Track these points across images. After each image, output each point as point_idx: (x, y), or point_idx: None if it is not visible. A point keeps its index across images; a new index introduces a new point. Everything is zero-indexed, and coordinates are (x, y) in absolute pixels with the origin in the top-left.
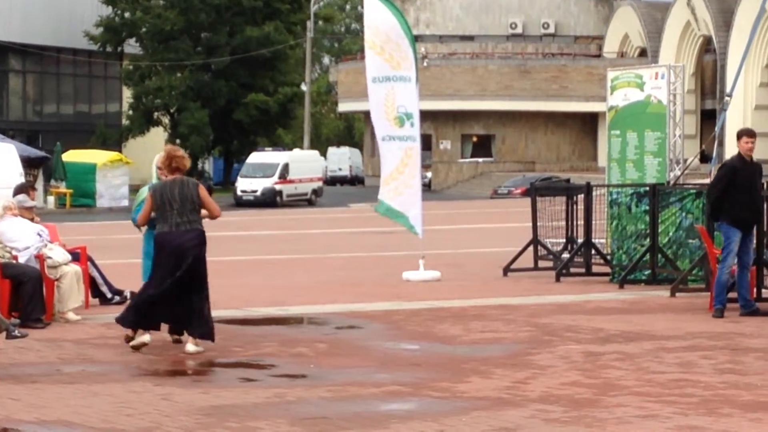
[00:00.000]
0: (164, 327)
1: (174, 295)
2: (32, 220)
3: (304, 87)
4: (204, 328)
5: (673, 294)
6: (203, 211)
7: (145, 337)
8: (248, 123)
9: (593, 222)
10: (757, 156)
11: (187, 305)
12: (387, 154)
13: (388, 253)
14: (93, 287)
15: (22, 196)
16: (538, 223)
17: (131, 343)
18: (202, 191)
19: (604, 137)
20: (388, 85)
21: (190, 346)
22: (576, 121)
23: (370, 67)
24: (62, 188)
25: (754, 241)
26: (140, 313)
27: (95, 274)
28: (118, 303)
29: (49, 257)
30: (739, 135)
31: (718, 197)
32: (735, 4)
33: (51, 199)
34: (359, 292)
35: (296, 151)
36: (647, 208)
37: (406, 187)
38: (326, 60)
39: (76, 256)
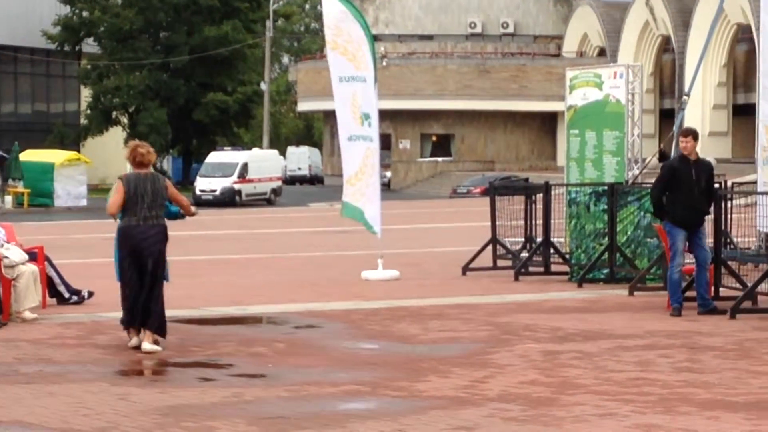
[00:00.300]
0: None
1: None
2: None
3: (263, 86)
4: (160, 322)
5: (632, 293)
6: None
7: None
8: (207, 122)
9: (552, 221)
10: (715, 155)
11: (147, 299)
12: (352, 155)
13: (347, 253)
14: (50, 287)
15: None
16: (497, 223)
17: (131, 344)
18: (172, 188)
19: (563, 136)
20: (354, 85)
21: (147, 344)
22: (535, 121)
23: (335, 67)
24: (20, 188)
25: (708, 239)
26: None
27: (52, 273)
28: (76, 303)
29: (6, 257)
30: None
31: (659, 197)
32: (693, 3)
33: (8, 198)
34: (318, 291)
35: (255, 150)
36: (606, 207)
37: (367, 187)
38: (285, 59)
39: (34, 255)
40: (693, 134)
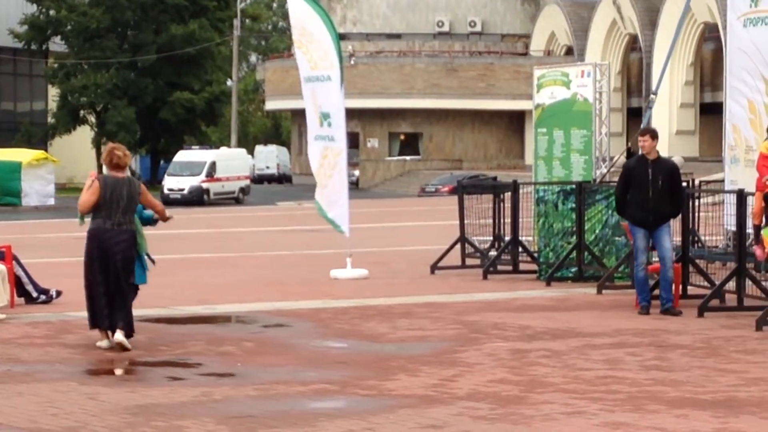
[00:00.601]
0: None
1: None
2: None
3: (230, 83)
4: (129, 320)
5: (600, 291)
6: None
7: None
8: (174, 121)
9: (520, 220)
10: (683, 153)
11: (114, 302)
12: (312, 154)
13: (315, 252)
14: (18, 286)
15: None
16: (466, 221)
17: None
18: (146, 193)
19: (531, 135)
20: (313, 85)
21: (119, 335)
22: (503, 119)
23: (301, 67)
24: None
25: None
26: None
27: (20, 273)
28: (44, 302)
29: None
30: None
31: (621, 196)
32: (660, 2)
33: None
34: (286, 290)
35: (223, 149)
36: (574, 205)
37: (327, 187)
38: (253, 58)
39: (1, 255)
40: (651, 133)
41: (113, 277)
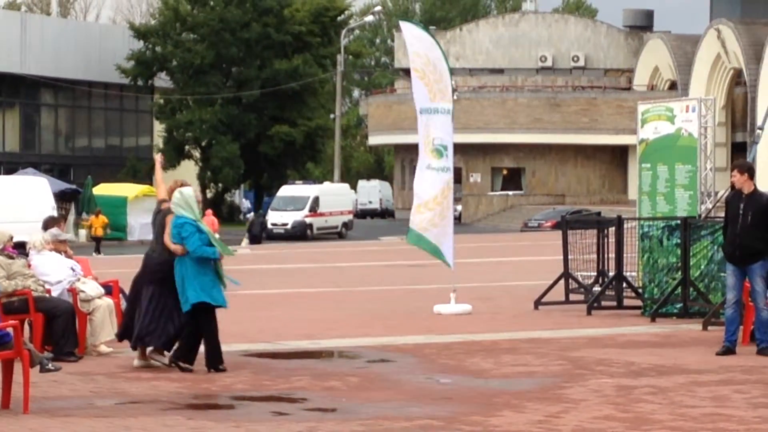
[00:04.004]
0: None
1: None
2: (65, 252)
3: (332, 116)
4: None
5: (705, 327)
6: None
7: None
8: (276, 156)
9: (624, 255)
10: None
11: None
12: (424, 183)
13: (419, 286)
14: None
15: (56, 230)
16: (569, 257)
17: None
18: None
19: (634, 170)
20: (425, 117)
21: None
22: (606, 154)
23: (419, 97)
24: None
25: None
26: None
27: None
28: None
29: (82, 291)
30: None
31: (723, 231)
32: (765, 36)
33: (83, 232)
34: (390, 325)
35: (326, 184)
36: (679, 241)
37: (441, 219)
38: (356, 93)
39: (109, 289)
40: (739, 168)
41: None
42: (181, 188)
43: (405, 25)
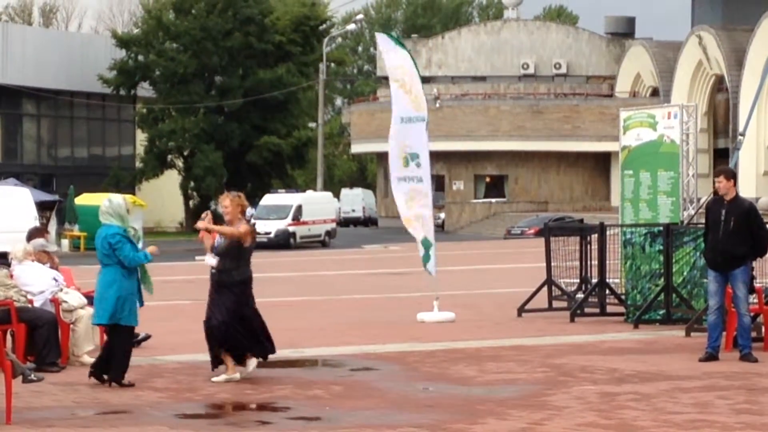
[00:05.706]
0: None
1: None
2: (52, 262)
3: (312, 125)
4: None
5: (688, 334)
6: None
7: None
8: (261, 165)
9: (607, 262)
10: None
11: None
12: (399, 201)
13: (402, 295)
14: None
15: (41, 240)
16: (552, 264)
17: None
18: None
19: (617, 177)
20: (406, 126)
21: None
22: (588, 161)
23: (400, 107)
24: (76, 231)
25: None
26: None
27: None
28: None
29: (65, 301)
30: None
31: (706, 236)
32: (747, 43)
33: (65, 242)
34: (374, 333)
35: (309, 192)
36: (661, 247)
37: (423, 226)
38: (338, 102)
39: (91, 299)
40: (724, 173)
41: None
42: (111, 196)
43: (381, 37)
